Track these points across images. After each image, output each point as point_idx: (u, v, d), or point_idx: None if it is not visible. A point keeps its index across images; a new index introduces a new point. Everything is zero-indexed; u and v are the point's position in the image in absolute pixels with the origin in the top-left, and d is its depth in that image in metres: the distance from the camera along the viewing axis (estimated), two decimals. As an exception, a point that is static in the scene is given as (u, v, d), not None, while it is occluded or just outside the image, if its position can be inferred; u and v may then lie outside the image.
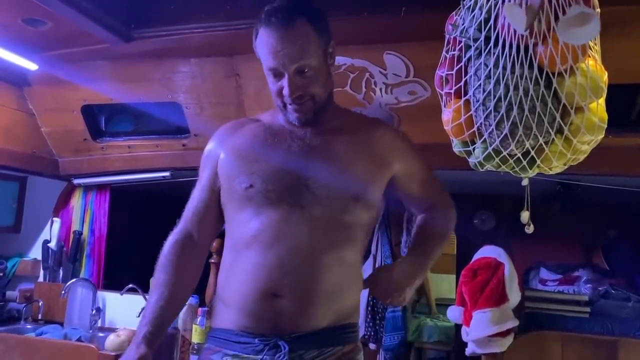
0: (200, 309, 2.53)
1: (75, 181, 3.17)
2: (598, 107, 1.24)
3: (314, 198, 1.27)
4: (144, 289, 2.87)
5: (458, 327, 2.82)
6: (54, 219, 3.21)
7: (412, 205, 1.56)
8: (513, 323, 2.41)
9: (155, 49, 2.25)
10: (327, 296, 1.26)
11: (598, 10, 1.18)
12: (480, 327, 2.39)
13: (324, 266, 1.26)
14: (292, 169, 1.29)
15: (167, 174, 2.93)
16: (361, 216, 1.33)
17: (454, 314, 2.61)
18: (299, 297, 1.23)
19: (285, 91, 1.27)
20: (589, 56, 1.22)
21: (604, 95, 1.25)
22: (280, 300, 1.23)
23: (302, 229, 1.26)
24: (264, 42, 1.26)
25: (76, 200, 3.26)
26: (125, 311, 2.92)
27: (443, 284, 5.17)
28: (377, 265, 3.42)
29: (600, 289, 2.95)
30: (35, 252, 3.23)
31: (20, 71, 2.54)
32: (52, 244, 3.15)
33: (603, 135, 1.27)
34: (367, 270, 3.34)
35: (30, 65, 2.43)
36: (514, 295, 2.45)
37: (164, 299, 1.27)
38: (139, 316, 2.80)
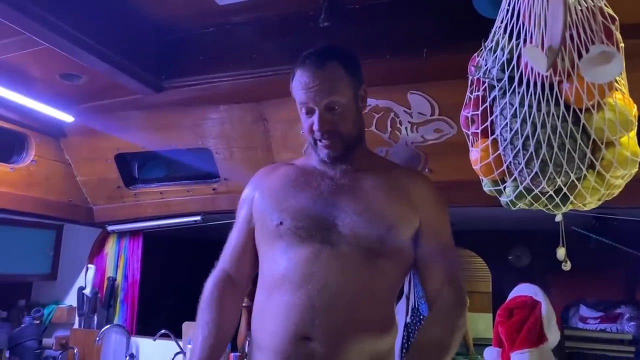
0: (232, 354, 2.52)
1: (109, 228, 3.23)
2: (629, 141, 1.22)
3: (341, 236, 1.27)
4: (177, 334, 2.87)
5: (497, 368, 2.72)
6: (89, 265, 3.27)
7: (423, 275, 1.39)
8: (554, 364, 2.32)
9: (185, 97, 2.31)
10: (359, 339, 1.23)
11: (622, 45, 1.17)
12: (520, 368, 2.30)
13: (356, 306, 1.23)
14: (320, 207, 1.31)
15: (198, 218, 2.97)
16: (392, 256, 1.31)
17: (491, 355, 2.51)
18: (331, 340, 1.20)
19: (315, 126, 1.32)
20: (616, 90, 1.20)
21: (635, 129, 1.23)
22: (311, 343, 1.20)
23: (332, 267, 1.24)
24: (298, 81, 1.34)
25: (110, 247, 3.32)
26: (159, 357, 2.93)
27: (480, 323, 5.06)
28: (410, 306, 3.35)
29: (645, 326, 2.84)
30: (71, 299, 3.28)
31: (57, 123, 2.63)
32: (87, 291, 3.20)
33: (637, 169, 1.24)
34: (400, 310, 3.28)
35: (67, 117, 2.51)
36: (553, 335, 2.36)
37: (212, 336, 1.30)
38: (172, 362, 2.79)
